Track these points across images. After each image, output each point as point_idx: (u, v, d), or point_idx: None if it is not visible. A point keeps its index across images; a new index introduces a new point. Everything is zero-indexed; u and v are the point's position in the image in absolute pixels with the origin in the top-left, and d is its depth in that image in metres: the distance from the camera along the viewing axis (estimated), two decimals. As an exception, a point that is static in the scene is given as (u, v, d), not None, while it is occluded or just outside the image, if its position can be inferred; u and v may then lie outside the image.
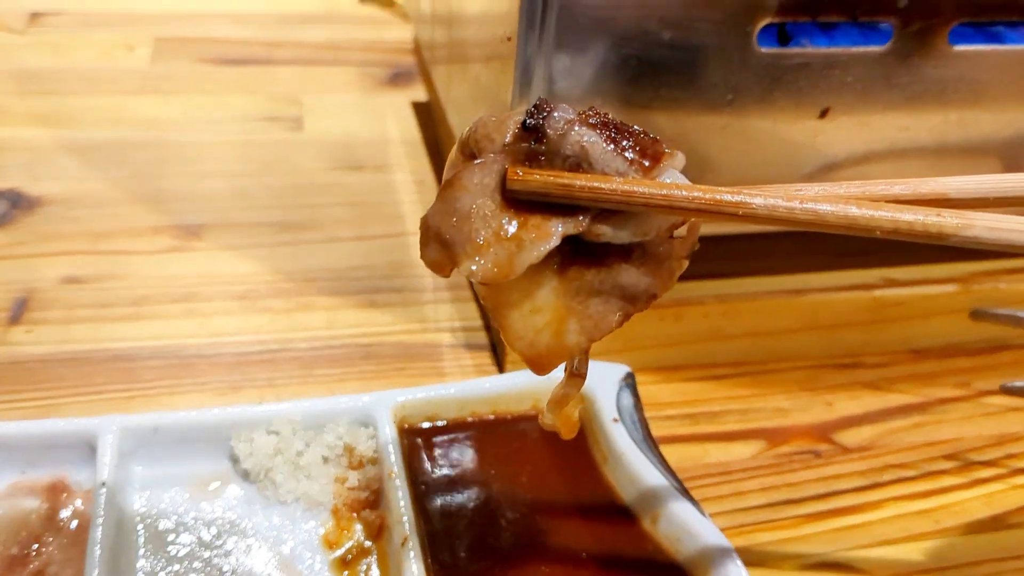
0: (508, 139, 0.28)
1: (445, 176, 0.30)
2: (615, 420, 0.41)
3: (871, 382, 0.52)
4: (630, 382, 0.44)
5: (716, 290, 0.49)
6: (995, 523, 0.44)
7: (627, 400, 0.43)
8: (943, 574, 0.42)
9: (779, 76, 0.43)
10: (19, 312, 0.50)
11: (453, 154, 0.30)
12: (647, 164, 0.28)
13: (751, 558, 0.41)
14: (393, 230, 0.60)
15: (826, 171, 0.46)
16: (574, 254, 0.29)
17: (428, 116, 0.71)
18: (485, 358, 0.51)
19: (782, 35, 0.44)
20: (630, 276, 0.29)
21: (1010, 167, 0.49)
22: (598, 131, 0.28)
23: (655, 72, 0.41)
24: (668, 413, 0.48)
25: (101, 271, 0.54)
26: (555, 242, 0.28)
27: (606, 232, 0.28)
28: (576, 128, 0.28)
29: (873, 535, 0.43)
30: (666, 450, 0.45)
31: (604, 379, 0.43)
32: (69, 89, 0.71)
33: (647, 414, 0.47)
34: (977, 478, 0.47)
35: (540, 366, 0.30)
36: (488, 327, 0.52)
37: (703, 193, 0.28)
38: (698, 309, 0.49)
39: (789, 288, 0.50)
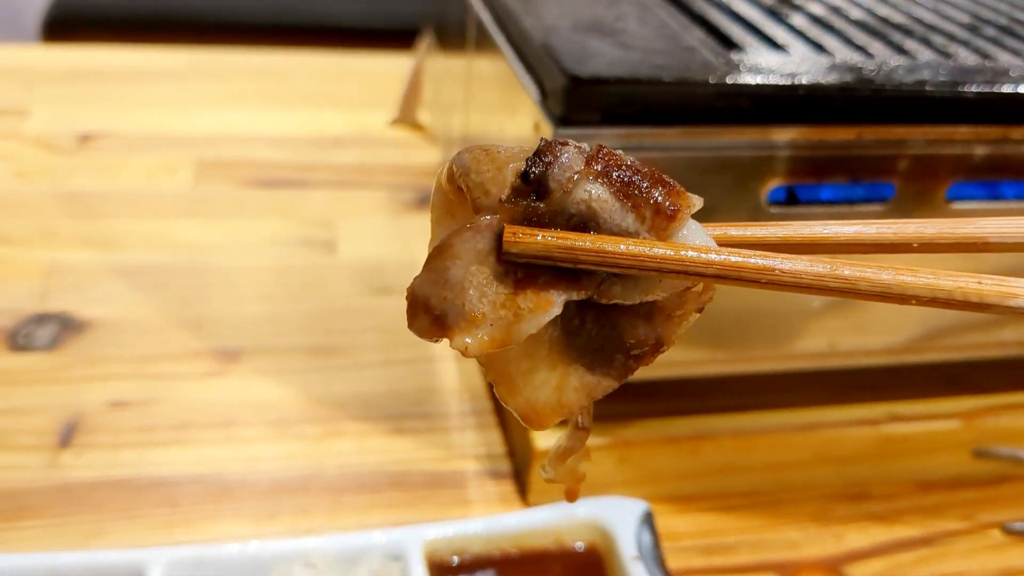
0: (505, 194, 0.25)
1: (433, 210, 0.27)
2: (635, 558, 0.43)
3: (879, 514, 0.54)
4: (648, 519, 0.46)
5: (731, 425, 0.52)
6: (1003, 662, 0.46)
7: (647, 538, 0.45)
8: None
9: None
10: (68, 436, 0.53)
11: (442, 182, 0.27)
12: (663, 223, 0.25)
13: None
14: (419, 354, 0.62)
15: (828, 319, 0.49)
16: (577, 306, 0.27)
17: (454, 240, 0.75)
18: (508, 486, 0.53)
19: (790, 195, 0.47)
20: (636, 331, 0.27)
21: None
22: (608, 183, 0.25)
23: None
24: (683, 544, 0.50)
25: (146, 395, 0.57)
26: (556, 311, 0.25)
27: (615, 295, 0.26)
28: (584, 184, 0.25)
29: (884, 673, 0.45)
30: (682, 583, 0.47)
31: (624, 516, 0.46)
32: (115, 211, 0.75)
33: (665, 545, 0.49)
34: (984, 615, 0.48)
35: (537, 423, 0.28)
36: (512, 454, 0.55)
37: (722, 256, 0.25)
38: (713, 443, 0.52)
39: (801, 423, 0.53)
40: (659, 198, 0.26)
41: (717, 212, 0.45)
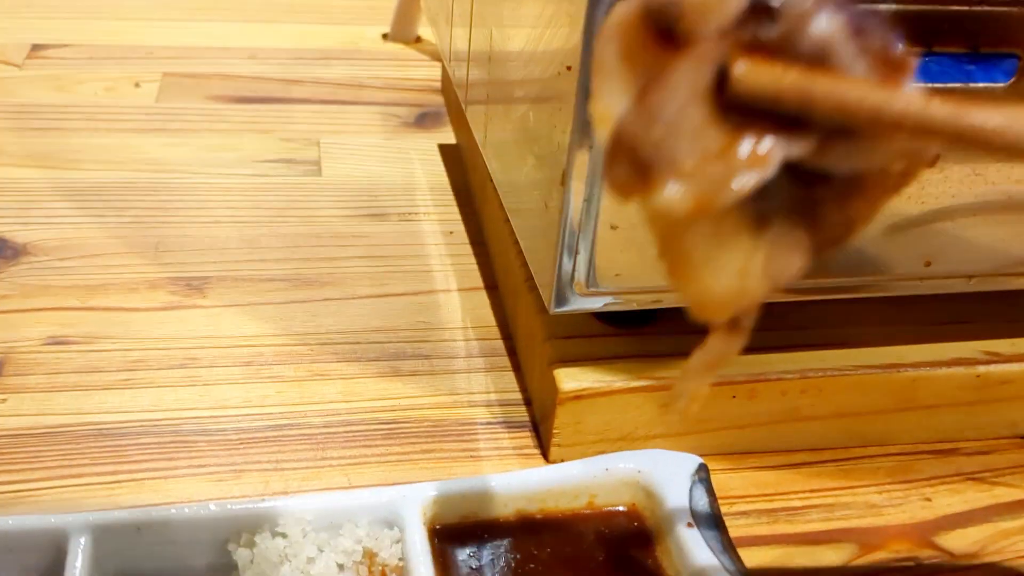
0: (727, 21, 0.21)
1: (598, 51, 0.22)
2: (689, 525, 0.34)
3: (974, 473, 0.45)
4: (704, 476, 0.37)
5: (797, 364, 0.43)
6: None
7: (702, 499, 0.36)
8: None
9: (883, 118, 0.36)
10: (-7, 377, 0.44)
11: (627, 20, 0.22)
12: (893, 75, 0.20)
13: None
14: (419, 287, 0.53)
15: (932, 224, 0.40)
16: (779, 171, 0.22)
17: (457, 160, 0.65)
18: (526, 438, 0.44)
19: (884, 71, 0.37)
20: (831, 208, 0.23)
21: None
22: (843, 20, 0.21)
23: (740, 111, 0.35)
24: (741, 508, 0.41)
25: (90, 330, 0.47)
26: (771, 171, 0.21)
27: (831, 158, 0.21)
28: (820, 16, 0.21)
29: (997, 668, 0.36)
30: (741, 554, 0.38)
31: (672, 473, 0.36)
32: (69, 127, 0.65)
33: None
34: (1110, 594, 0.39)
35: (713, 312, 0.23)
36: (529, 401, 0.46)
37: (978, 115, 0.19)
38: (775, 386, 0.42)
39: (880, 363, 0.43)
40: (890, 46, 0.21)
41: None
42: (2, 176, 0.59)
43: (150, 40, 0.77)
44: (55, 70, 0.72)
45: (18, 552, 0.33)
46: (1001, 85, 0.37)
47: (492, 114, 0.48)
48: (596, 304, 0.39)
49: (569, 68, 0.34)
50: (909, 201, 0.39)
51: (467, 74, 0.54)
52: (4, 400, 0.43)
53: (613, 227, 0.36)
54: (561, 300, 0.38)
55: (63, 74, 0.72)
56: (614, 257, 0.37)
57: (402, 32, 0.82)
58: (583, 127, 0.34)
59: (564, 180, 0.36)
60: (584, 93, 0.34)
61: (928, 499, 0.43)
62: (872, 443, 0.45)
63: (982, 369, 0.44)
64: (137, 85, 0.71)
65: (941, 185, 0.39)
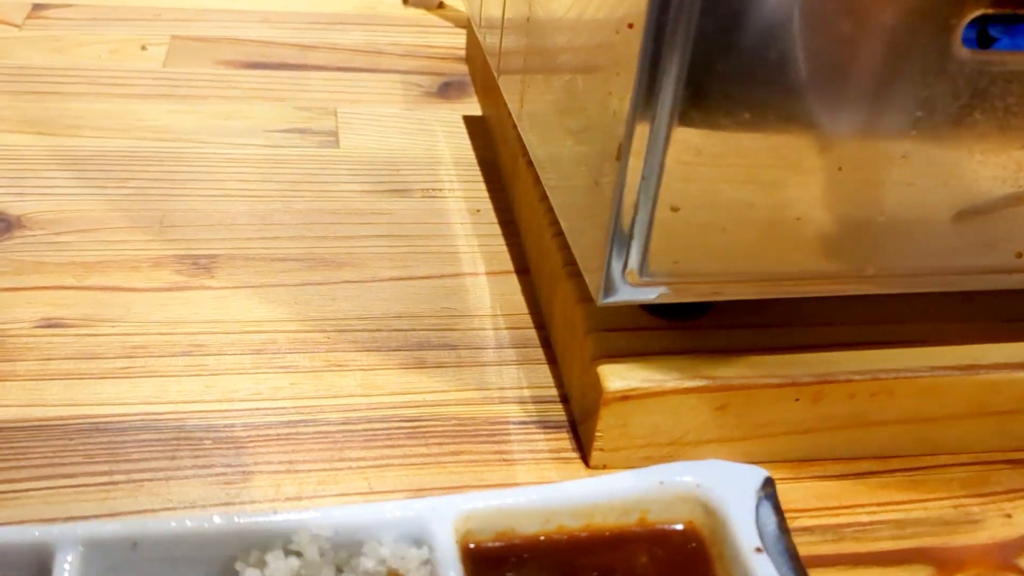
0: None
1: None
2: (758, 550, 0.30)
3: (1058, 486, 0.40)
4: (771, 492, 0.33)
5: (867, 364, 0.38)
6: None
7: (769, 519, 0.32)
8: None
9: (985, 88, 0.32)
10: (-21, 363, 0.40)
11: None
12: None
13: None
14: (444, 270, 0.49)
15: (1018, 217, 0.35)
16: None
17: (484, 133, 0.61)
18: (563, 440, 0.40)
19: (983, 37, 0.33)
20: None
21: None
22: None
23: (826, 76, 0.31)
24: (804, 523, 0.37)
25: (87, 313, 0.43)
26: None
27: None
28: None
29: None
30: (807, 577, 0.34)
31: (736, 488, 0.32)
32: (69, 91, 0.61)
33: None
34: None
35: None
36: (566, 400, 0.42)
37: None
38: (843, 388, 0.38)
39: (957, 363, 0.39)
40: None
41: (892, 58, 0.31)
42: (-3, 143, 0.55)
43: (158, 1, 0.73)
44: (56, 31, 0.68)
45: (-2, 568, 0.29)
46: (1121, 53, 0.32)
47: (530, 83, 0.43)
48: (649, 295, 0.35)
49: (631, 26, 0.30)
50: (1003, 183, 0.35)
51: (500, 41, 0.49)
52: (-9, 389, 0.39)
53: (674, 208, 0.32)
54: (610, 290, 0.34)
55: (64, 35, 0.67)
56: (673, 242, 0.33)
57: (424, -4, 0.77)
58: (646, 93, 0.30)
59: (620, 154, 0.31)
60: (649, 54, 0.29)
61: (1008, 515, 0.39)
62: (944, 451, 0.41)
63: (1070, 372, 0.40)
64: (143, 48, 0.67)
65: (1042, 167, 0.34)
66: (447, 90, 0.66)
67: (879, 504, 0.39)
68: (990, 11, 0.30)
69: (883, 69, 0.31)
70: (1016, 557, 0.37)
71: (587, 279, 0.36)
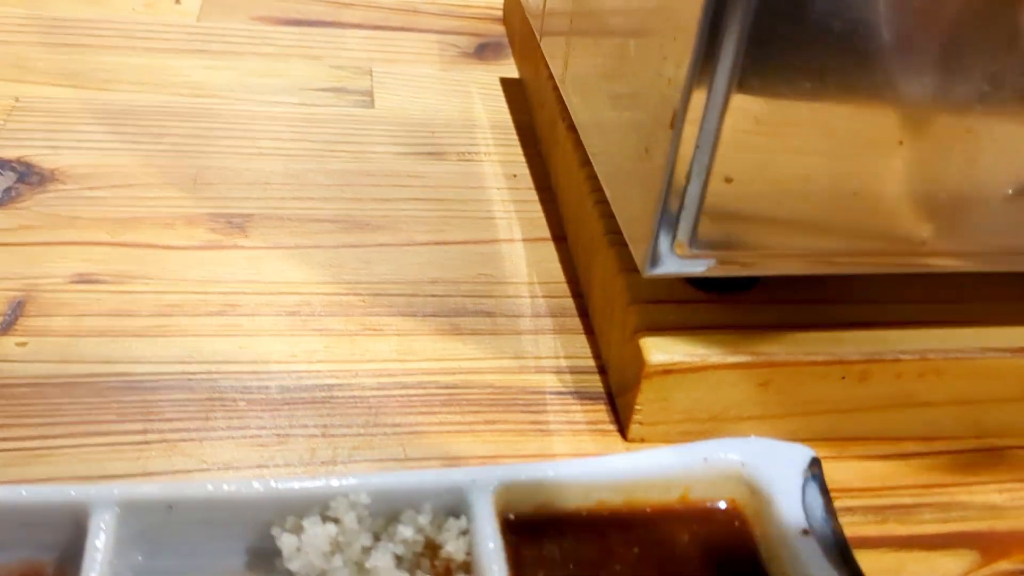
0: None
1: None
2: (805, 533, 0.30)
3: (1107, 473, 0.39)
4: (817, 472, 0.32)
5: (914, 343, 0.37)
6: None
7: (816, 500, 0.31)
8: None
9: (1058, 62, 0.30)
10: (13, 318, 0.40)
11: None
12: None
13: None
14: (481, 235, 0.48)
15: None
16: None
17: (521, 97, 0.60)
18: (601, 412, 0.39)
19: (1058, 6, 0.31)
20: None
21: None
22: None
23: (891, 47, 0.29)
24: (847, 504, 0.36)
25: (121, 269, 0.43)
26: None
27: None
28: None
29: None
30: (849, 559, 0.33)
31: (782, 467, 0.32)
32: (101, 43, 0.60)
33: (819, 504, 0.35)
34: None
35: None
36: (603, 371, 0.41)
37: None
38: (891, 368, 0.37)
39: (1008, 345, 0.38)
40: None
41: (960, 27, 0.29)
42: (30, 94, 0.54)
43: (191, -47, 0.72)
44: (90, -18, 0.67)
45: (34, 527, 0.28)
46: None
47: (575, 45, 0.42)
48: (698, 268, 0.34)
49: (692, -13, 0.28)
50: (1070, 161, 0.33)
51: (544, 2, 0.48)
52: (24, 344, 0.39)
53: (728, 179, 0.31)
54: (657, 261, 0.33)
55: (98, -13, 0.67)
56: (725, 214, 0.32)
57: (461, -46, 0.76)
58: (704, 59, 0.29)
59: (674, 122, 0.30)
60: (709, 17, 0.28)
61: (1057, 502, 0.38)
62: (992, 435, 0.40)
63: None
64: (178, 2, 0.66)
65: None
66: (483, 51, 0.65)
67: (924, 486, 0.38)
68: (1069, -21, 0.29)
69: (951, 41, 0.30)
70: (1063, 545, 0.36)
71: (632, 249, 0.35)
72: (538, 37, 0.48)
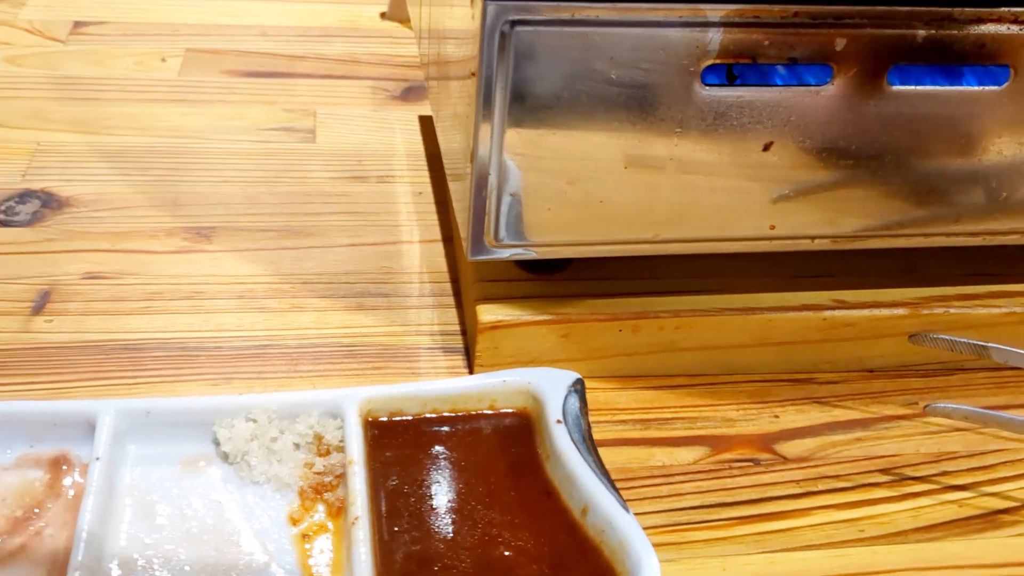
0: None
1: None
2: (558, 421, 0.45)
3: (820, 398, 0.55)
4: (578, 388, 0.48)
5: (671, 305, 0.53)
6: (919, 535, 0.48)
7: (573, 403, 0.47)
8: (860, 579, 0.45)
9: (724, 112, 0.47)
10: (42, 304, 0.56)
11: None
12: None
13: (680, 554, 0.45)
14: (388, 238, 0.64)
15: (771, 201, 0.50)
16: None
17: (431, 129, 0.76)
18: (458, 361, 0.55)
19: (729, 74, 0.47)
20: None
21: (950, 203, 0.52)
22: None
23: (607, 106, 0.45)
24: (622, 418, 0.52)
25: (118, 268, 0.59)
26: None
27: None
28: None
29: (798, 540, 0.47)
30: (615, 451, 0.49)
31: (555, 384, 0.47)
32: (104, 96, 0.77)
33: (604, 419, 0.51)
34: (908, 492, 0.50)
35: None
36: (464, 331, 0.57)
37: None
38: (654, 322, 0.53)
39: (741, 306, 0.54)
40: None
41: (654, 94, 0.45)
42: (48, 140, 0.71)
43: (175, 18, 0.88)
44: (94, 45, 0.84)
45: (60, 427, 0.44)
46: (819, 88, 0.47)
47: (439, 91, 0.58)
48: (504, 254, 0.50)
49: (473, 74, 0.45)
50: (754, 181, 0.49)
51: (427, 51, 0.64)
52: (50, 321, 0.55)
53: (512, 194, 0.47)
54: (476, 250, 0.49)
55: (100, 49, 0.83)
56: (514, 216, 0.48)
57: (398, 11, 0.92)
58: (485, 108, 0.45)
59: (472, 155, 0.46)
60: (484, 94, 0.44)
61: (776, 416, 0.54)
62: (737, 372, 0.56)
63: (828, 314, 0.54)
64: (163, 60, 0.82)
65: (778, 166, 0.49)
66: (408, 94, 0.82)
67: (681, 406, 0.54)
68: (718, 62, 0.45)
69: (650, 100, 0.46)
70: (773, 443, 0.52)
71: (463, 242, 0.51)
72: (425, 81, 0.65)
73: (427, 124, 0.77)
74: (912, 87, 0.48)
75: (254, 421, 0.45)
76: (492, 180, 0.47)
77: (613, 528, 0.41)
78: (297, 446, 0.45)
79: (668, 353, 0.54)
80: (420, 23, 0.67)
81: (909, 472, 0.51)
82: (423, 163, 0.72)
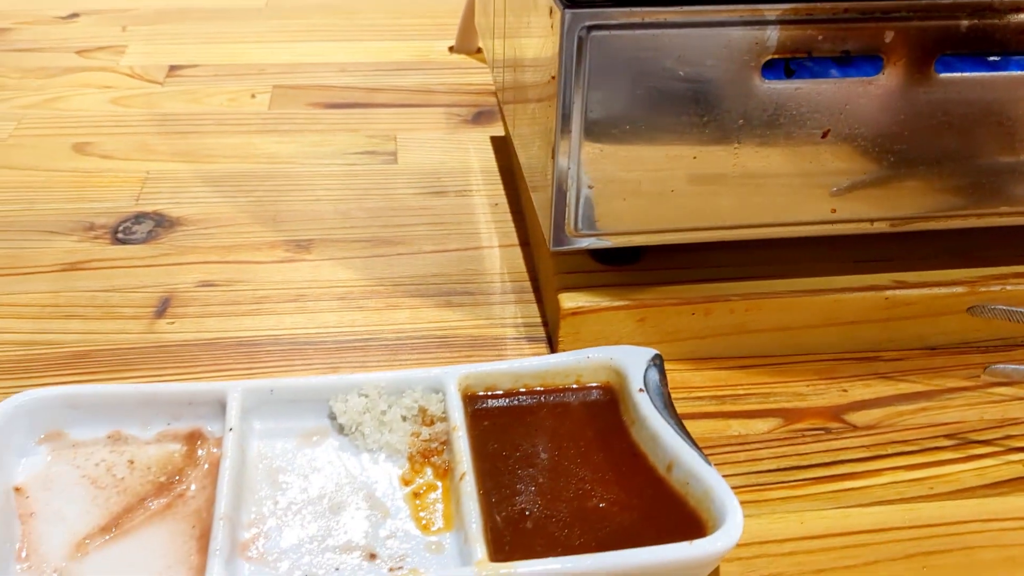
0: None
1: None
2: (640, 391, 0.50)
3: (885, 373, 0.58)
4: (657, 362, 0.52)
5: (740, 288, 0.57)
6: (984, 491, 0.50)
7: (653, 375, 0.51)
8: (932, 529, 0.48)
9: (783, 103, 0.51)
10: (163, 308, 0.62)
11: None
12: None
13: (759, 510, 0.49)
14: (469, 244, 0.69)
15: (831, 186, 0.54)
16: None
17: (504, 148, 0.81)
18: (542, 348, 0.60)
19: (787, 69, 0.52)
20: None
21: (1000, 184, 0.55)
22: None
23: (675, 101, 0.50)
24: (698, 395, 0.56)
25: (229, 277, 0.65)
26: None
27: None
28: None
29: (870, 497, 0.50)
30: (693, 424, 0.53)
31: (635, 359, 0.52)
32: (202, 130, 0.84)
33: (681, 395, 0.55)
34: (973, 454, 0.53)
35: None
36: (545, 323, 0.61)
37: None
38: (724, 305, 0.57)
39: (808, 288, 0.58)
40: None
41: (718, 88, 0.50)
42: (157, 169, 0.77)
43: (262, 59, 0.96)
44: (189, 86, 0.91)
45: (195, 406, 0.50)
46: (871, 78, 0.51)
47: (517, 111, 0.64)
48: (583, 243, 0.54)
49: (553, 78, 0.50)
50: (813, 166, 0.53)
51: (503, 79, 0.70)
52: (172, 323, 0.61)
53: (590, 186, 0.52)
54: (558, 241, 0.54)
55: (195, 89, 0.90)
56: (592, 208, 0.53)
57: (465, 45, 0.98)
58: (564, 119, 0.50)
59: (554, 154, 0.51)
60: (565, 95, 0.49)
61: (845, 390, 0.57)
62: (806, 351, 0.59)
63: (889, 293, 0.58)
64: (253, 96, 0.89)
65: (835, 153, 0.53)
66: (479, 118, 0.87)
67: (753, 384, 0.57)
68: (776, 56, 0.50)
69: (714, 95, 0.50)
70: (843, 414, 0.55)
71: (544, 235, 0.55)
72: (500, 105, 0.70)
73: (499, 143, 0.82)
74: (959, 74, 0.52)
75: (366, 396, 0.50)
76: (572, 173, 0.51)
77: (697, 480, 0.45)
78: (404, 418, 0.50)
79: (739, 335, 0.58)
80: (494, 54, 0.73)
81: (974, 436, 0.54)
82: (497, 178, 0.78)
